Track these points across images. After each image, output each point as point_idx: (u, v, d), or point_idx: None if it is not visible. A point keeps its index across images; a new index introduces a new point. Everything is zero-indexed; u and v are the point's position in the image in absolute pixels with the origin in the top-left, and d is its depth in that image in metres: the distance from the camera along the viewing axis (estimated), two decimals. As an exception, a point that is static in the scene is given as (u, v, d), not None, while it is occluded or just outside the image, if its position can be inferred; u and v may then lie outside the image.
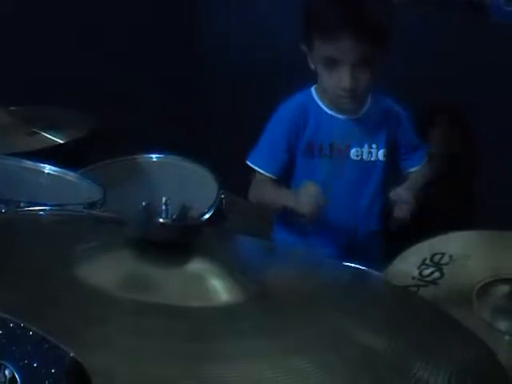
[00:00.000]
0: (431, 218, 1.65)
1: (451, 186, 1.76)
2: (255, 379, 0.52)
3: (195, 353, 0.54)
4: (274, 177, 1.51)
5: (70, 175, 1.30)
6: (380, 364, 0.58)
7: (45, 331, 0.45)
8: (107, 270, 0.64)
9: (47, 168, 1.30)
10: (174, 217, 0.67)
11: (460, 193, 1.82)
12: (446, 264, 0.97)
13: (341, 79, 1.39)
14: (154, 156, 1.63)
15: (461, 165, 1.80)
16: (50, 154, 1.41)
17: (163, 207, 0.67)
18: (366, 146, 1.50)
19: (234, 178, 1.56)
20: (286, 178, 1.53)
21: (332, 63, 1.39)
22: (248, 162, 1.52)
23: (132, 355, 0.52)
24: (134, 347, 0.53)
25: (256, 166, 1.51)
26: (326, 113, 1.51)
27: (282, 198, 1.48)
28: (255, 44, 2.10)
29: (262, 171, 1.50)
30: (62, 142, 1.51)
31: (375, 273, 1.08)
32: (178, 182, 1.47)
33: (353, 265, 1.21)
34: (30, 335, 0.45)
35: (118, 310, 0.58)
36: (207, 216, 1.34)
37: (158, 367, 0.51)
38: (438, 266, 0.96)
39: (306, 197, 1.39)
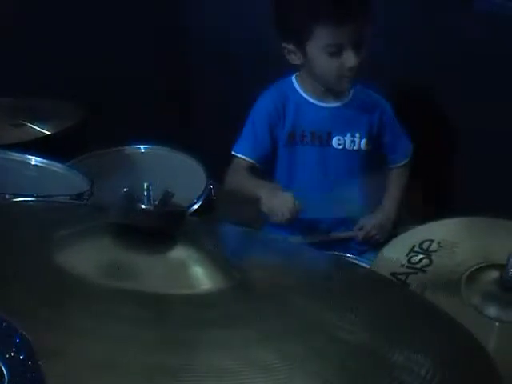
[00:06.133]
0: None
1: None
2: (216, 369, 0.51)
3: (158, 340, 0.53)
4: (255, 163, 1.51)
5: (57, 167, 1.29)
6: (356, 356, 0.57)
7: (13, 315, 0.45)
8: (87, 256, 0.63)
9: (34, 160, 1.29)
10: (156, 203, 0.66)
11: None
12: (435, 251, 0.97)
13: (346, 61, 1.40)
14: (141, 147, 1.62)
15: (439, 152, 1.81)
16: (37, 146, 1.40)
17: (145, 193, 0.66)
18: (348, 134, 1.51)
19: (223, 168, 1.55)
20: (268, 166, 1.54)
21: (336, 48, 1.40)
22: (233, 152, 1.52)
23: (93, 339, 0.51)
24: (98, 333, 0.52)
25: (239, 153, 1.52)
26: (307, 101, 1.52)
27: (256, 191, 1.46)
28: (242, 35, 2.10)
29: (244, 157, 1.51)
30: (49, 133, 1.50)
31: (359, 262, 1.08)
32: (167, 173, 1.46)
33: (337, 254, 1.23)
34: (16, 328, 0.45)
35: (95, 296, 0.58)
36: (196, 206, 1.33)
37: (115, 353, 0.50)
38: (427, 253, 0.96)
39: (280, 208, 1.39)
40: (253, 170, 1.51)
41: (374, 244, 1.52)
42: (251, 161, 1.50)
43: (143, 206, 0.65)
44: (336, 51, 1.40)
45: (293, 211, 1.36)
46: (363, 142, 1.52)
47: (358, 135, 1.52)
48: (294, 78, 1.55)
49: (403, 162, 1.62)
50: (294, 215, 1.36)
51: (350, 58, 1.39)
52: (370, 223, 1.54)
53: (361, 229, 1.55)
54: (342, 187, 1.51)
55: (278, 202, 1.39)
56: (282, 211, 1.37)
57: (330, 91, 1.52)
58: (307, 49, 1.43)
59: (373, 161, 1.56)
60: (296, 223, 1.45)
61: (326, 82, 1.48)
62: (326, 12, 1.38)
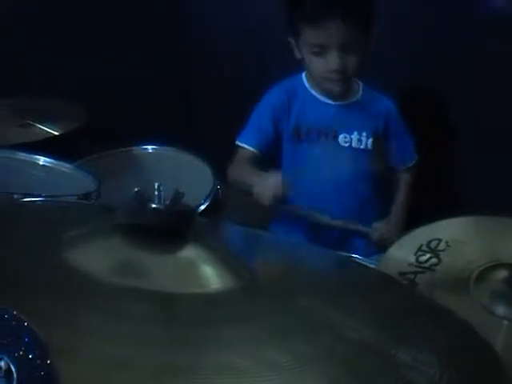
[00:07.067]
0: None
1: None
2: (225, 368, 0.50)
3: (167, 339, 0.53)
4: (257, 152, 1.51)
5: (65, 167, 1.29)
6: (362, 354, 0.57)
7: (22, 314, 0.45)
8: (97, 256, 0.62)
9: (42, 160, 1.29)
10: (167, 202, 0.66)
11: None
12: (443, 250, 0.97)
13: (329, 62, 1.40)
14: (149, 147, 1.62)
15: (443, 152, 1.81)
16: (45, 146, 1.40)
17: (156, 193, 0.66)
18: (355, 133, 1.52)
19: (225, 168, 1.55)
20: (273, 160, 1.54)
21: (320, 49, 1.40)
22: (237, 142, 1.53)
23: (103, 338, 0.51)
24: (108, 332, 0.52)
25: (242, 142, 1.52)
26: (315, 98, 1.53)
27: (251, 179, 1.45)
28: (242, 35, 2.10)
29: (246, 146, 1.51)
30: (56, 133, 1.50)
31: (365, 262, 1.08)
32: (174, 173, 1.46)
33: (342, 254, 1.22)
34: (26, 326, 0.44)
35: (105, 295, 0.57)
36: (203, 207, 1.33)
37: (125, 352, 0.50)
38: (435, 252, 0.96)
39: (265, 188, 1.38)
40: (256, 161, 1.51)
41: (383, 247, 1.51)
42: (253, 150, 1.51)
43: (153, 206, 0.65)
44: (319, 52, 1.40)
45: (277, 189, 1.35)
46: (370, 141, 1.53)
47: (364, 134, 1.52)
48: (303, 74, 1.56)
49: (409, 165, 1.62)
50: (278, 193, 1.35)
51: (333, 60, 1.40)
52: (384, 227, 1.53)
53: (375, 230, 1.53)
54: (349, 186, 1.51)
55: (264, 183, 1.38)
56: (267, 190, 1.36)
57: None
58: (299, 45, 1.45)
59: (379, 162, 1.56)
60: (304, 225, 1.45)
61: (317, 80, 1.49)
62: (308, 11, 1.39)
